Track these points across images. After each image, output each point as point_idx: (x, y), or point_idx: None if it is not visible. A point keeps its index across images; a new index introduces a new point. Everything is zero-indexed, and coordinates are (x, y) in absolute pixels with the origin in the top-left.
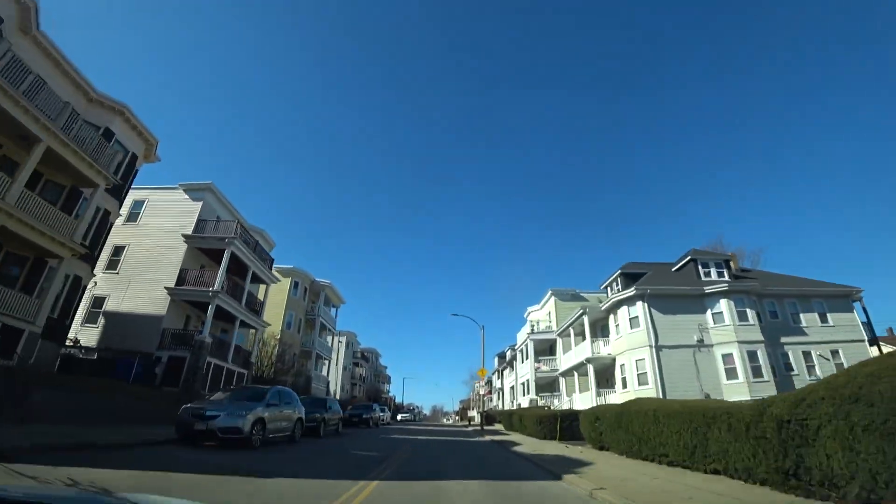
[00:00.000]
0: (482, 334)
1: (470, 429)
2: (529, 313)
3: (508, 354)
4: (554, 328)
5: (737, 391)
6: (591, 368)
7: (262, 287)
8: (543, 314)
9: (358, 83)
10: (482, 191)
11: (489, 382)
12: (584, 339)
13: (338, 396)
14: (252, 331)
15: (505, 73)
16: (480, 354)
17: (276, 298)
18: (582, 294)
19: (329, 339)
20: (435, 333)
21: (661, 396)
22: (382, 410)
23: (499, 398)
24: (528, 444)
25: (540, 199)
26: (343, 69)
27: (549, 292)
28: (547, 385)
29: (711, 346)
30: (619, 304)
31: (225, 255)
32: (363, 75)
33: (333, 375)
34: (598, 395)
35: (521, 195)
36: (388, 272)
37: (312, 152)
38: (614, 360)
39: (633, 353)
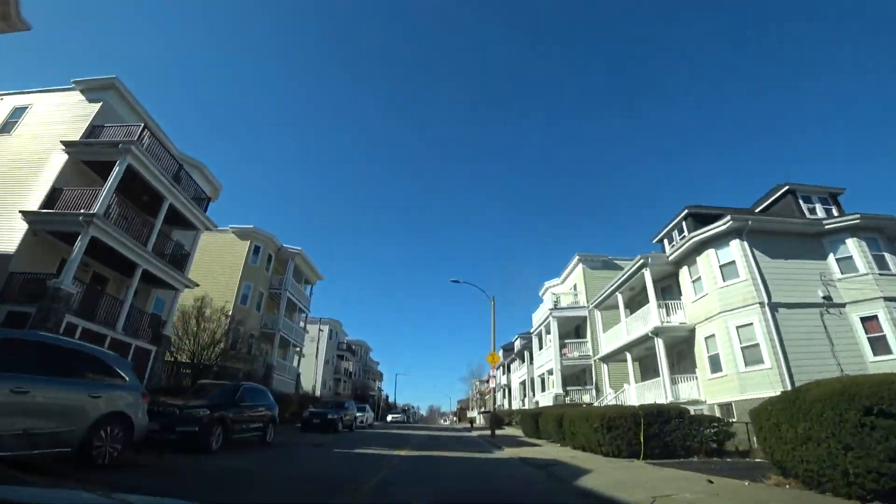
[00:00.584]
0: (492, 307)
1: (474, 433)
2: (547, 290)
3: (518, 344)
4: (583, 303)
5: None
6: (660, 344)
7: (200, 241)
8: (566, 288)
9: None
10: (482, 193)
11: (492, 379)
12: (631, 311)
13: (317, 392)
14: (172, 292)
15: (503, 88)
16: (489, 341)
17: (230, 264)
18: (616, 261)
19: (301, 322)
20: (432, 332)
21: (786, 380)
22: (363, 410)
23: (504, 396)
24: (604, 472)
25: (539, 197)
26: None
27: (576, 259)
28: (574, 377)
29: (843, 305)
30: (699, 247)
31: (116, 167)
32: (370, 74)
33: (311, 368)
34: (675, 382)
35: (521, 194)
36: (386, 269)
37: (315, 157)
38: (692, 331)
39: (731, 318)
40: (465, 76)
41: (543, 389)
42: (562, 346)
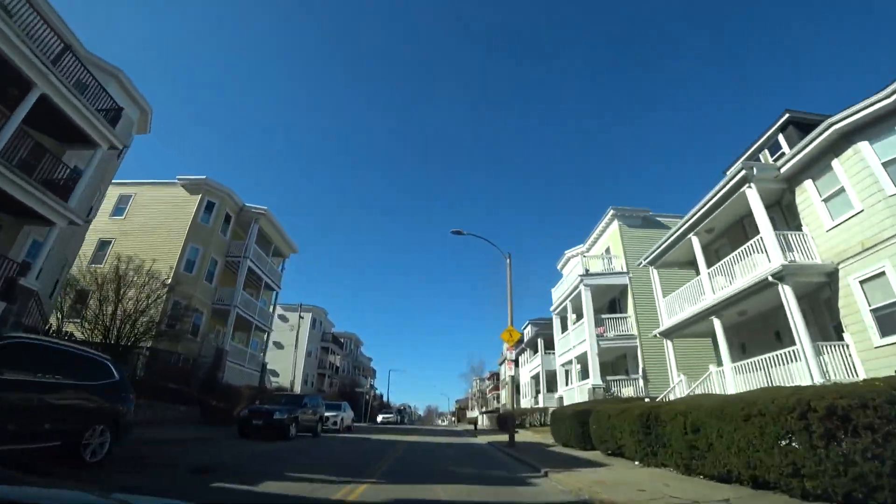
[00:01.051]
0: (508, 266)
1: (481, 440)
2: (568, 260)
3: (528, 332)
4: (620, 269)
5: None
6: (788, 294)
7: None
8: (595, 252)
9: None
10: (483, 192)
11: (495, 376)
12: (708, 264)
13: (297, 388)
14: (47, 228)
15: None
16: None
17: (174, 223)
18: (658, 218)
19: (271, 305)
20: (431, 334)
21: None
22: (337, 408)
23: (509, 394)
24: None
25: (535, 196)
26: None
27: (609, 214)
28: (609, 365)
29: None
30: (839, 141)
31: None
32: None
33: (290, 360)
34: (820, 352)
35: (517, 194)
36: (386, 270)
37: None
38: (832, 274)
39: None
40: (464, 74)
41: (568, 383)
42: (598, 323)
